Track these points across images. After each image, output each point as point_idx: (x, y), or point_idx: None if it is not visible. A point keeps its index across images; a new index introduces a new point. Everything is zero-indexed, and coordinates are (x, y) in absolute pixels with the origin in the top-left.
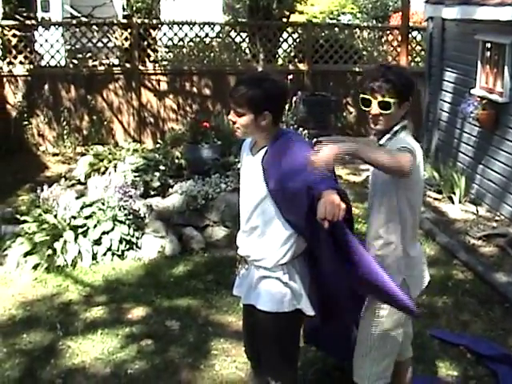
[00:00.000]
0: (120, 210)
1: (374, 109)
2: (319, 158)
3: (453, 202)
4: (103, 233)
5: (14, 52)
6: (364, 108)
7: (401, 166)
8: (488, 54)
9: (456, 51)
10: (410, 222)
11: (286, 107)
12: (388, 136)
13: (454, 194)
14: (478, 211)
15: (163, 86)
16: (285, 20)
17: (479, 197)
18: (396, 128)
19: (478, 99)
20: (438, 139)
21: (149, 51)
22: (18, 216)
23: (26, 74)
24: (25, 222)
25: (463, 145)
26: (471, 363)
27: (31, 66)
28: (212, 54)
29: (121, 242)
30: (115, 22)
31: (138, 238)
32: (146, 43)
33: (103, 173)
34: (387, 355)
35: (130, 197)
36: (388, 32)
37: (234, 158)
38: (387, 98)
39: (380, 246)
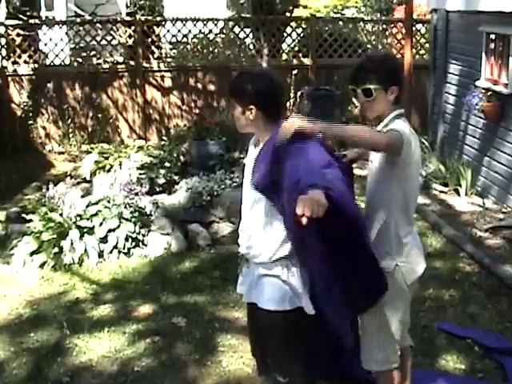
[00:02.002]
0: (126, 207)
1: (360, 97)
2: (285, 127)
3: (459, 195)
4: (109, 230)
5: (18, 51)
6: (354, 100)
7: (389, 143)
8: (492, 45)
9: (460, 43)
10: (404, 210)
11: (290, 103)
12: (384, 123)
13: (460, 186)
14: (484, 203)
15: (168, 83)
16: (288, 14)
17: (485, 189)
18: (392, 115)
19: (483, 91)
20: (443, 132)
21: (153, 48)
22: (24, 215)
23: (31, 73)
24: (31, 220)
25: (469, 137)
26: (479, 356)
27: (36, 65)
28: (216, 50)
29: (127, 239)
30: (119, 19)
31: (144, 236)
32: (149, 40)
33: (108, 170)
34: (392, 339)
35: (136, 194)
36: (392, 25)
37: (239, 153)
38: (368, 85)
39: (375, 233)
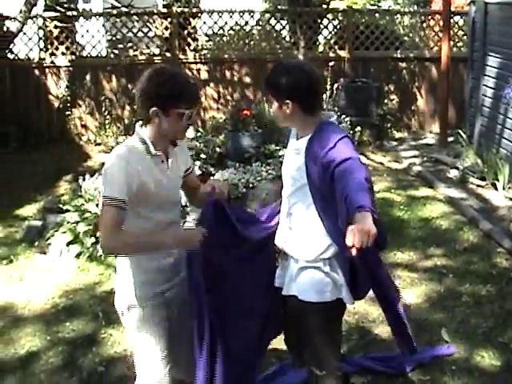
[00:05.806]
0: None
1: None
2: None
3: (496, 189)
4: None
5: (55, 43)
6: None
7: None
8: None
9: (499, 35)
10: None
11: (327, 95)
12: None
13: (498, 180)
14: None
15: (204, 75)
16: (325, 6)
17: None
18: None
19: None
20: (480, 125)
21: (189, 40)
22: (61, 206)
23: (68, 64)
24: (67, 211)
25: (507, 131)
26: None
27: (73, 57)
28: (252, 42)
29: None
30: (155, 11)
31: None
32: (186, 32)
33: None
34: None
35: None
36: (429, 17)
37: (275, 145)
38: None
39: None
